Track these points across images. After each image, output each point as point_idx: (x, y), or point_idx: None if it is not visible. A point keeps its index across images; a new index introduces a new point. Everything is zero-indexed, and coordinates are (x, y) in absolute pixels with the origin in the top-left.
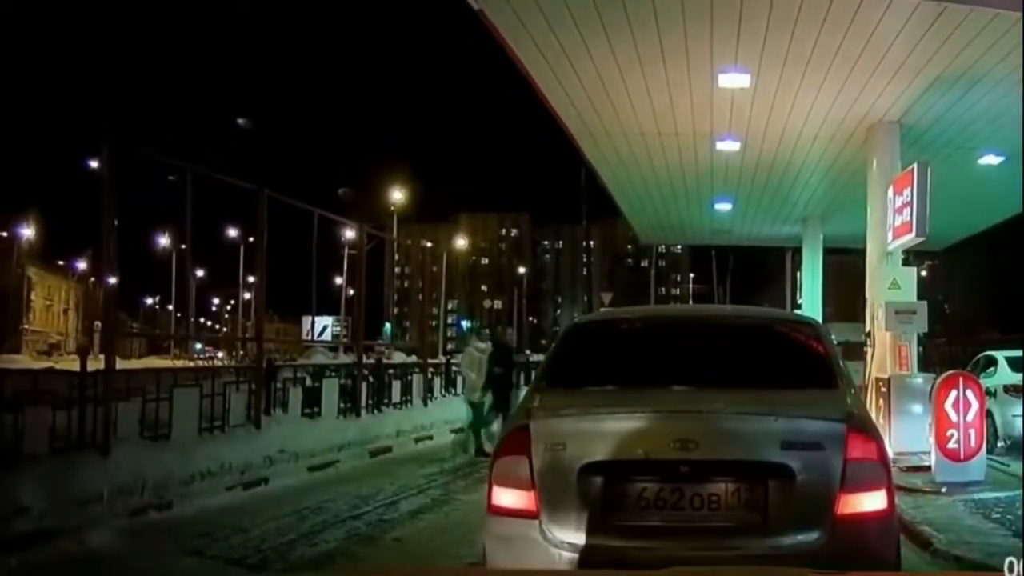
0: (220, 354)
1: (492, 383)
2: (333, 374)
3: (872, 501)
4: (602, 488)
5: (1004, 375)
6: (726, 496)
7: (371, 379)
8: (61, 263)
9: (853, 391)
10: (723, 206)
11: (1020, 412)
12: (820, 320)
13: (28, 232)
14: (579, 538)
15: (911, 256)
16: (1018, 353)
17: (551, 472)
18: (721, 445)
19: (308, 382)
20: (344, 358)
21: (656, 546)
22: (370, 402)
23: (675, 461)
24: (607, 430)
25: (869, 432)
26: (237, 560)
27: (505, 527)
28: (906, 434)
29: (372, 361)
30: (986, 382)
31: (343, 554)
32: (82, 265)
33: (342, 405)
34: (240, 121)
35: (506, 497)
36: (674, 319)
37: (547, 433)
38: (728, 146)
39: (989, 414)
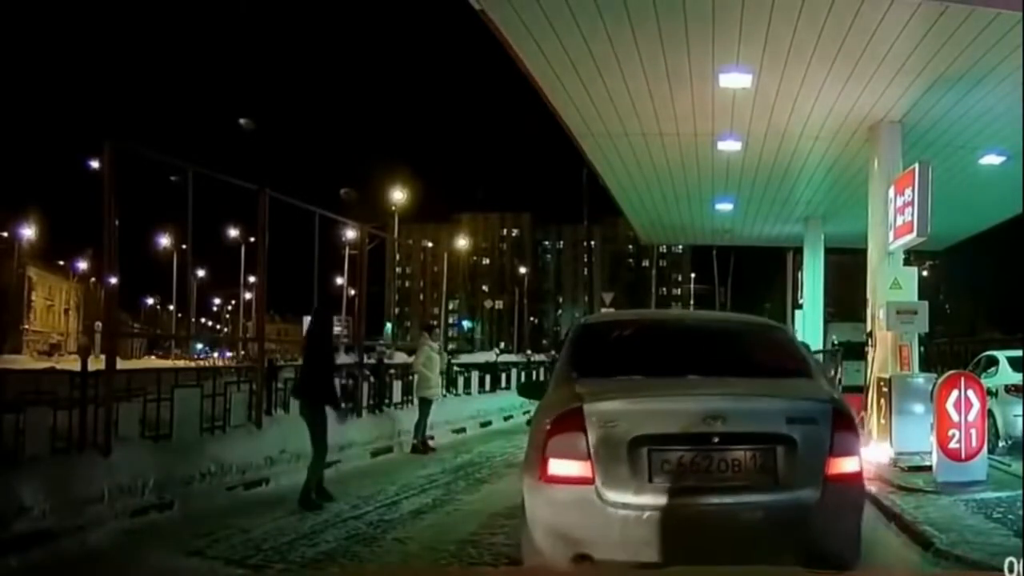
0: (229, 353)
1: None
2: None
3: (850, 464)
4: (648, 456)
5: (1005, 375)
6: (745, 461)
7: (372, 379)
8: (62, 263)
9: (825, 380)
10: (724, 206)
11: (1021, 412)
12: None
13: (29, 232)
14: (630, 498)
15: (912, 256)
16: (1019, 353)
17: (604, 445)
18: (741, 420)
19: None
20: (345, 358)
21: (691, 501)
22: (371, 402)
23: (706, 433)
24: (651, 409)
25: (848, 411)
26: (238, 560)
27: (563, 492)
28: (907, 434)
29: (373, 361)
30: (987, 382)
31: (344, 554)
32: (83, 265)
33: (343, 405)
34: (241, 121)
35: (562, 467)
36: (667, 321)
37: (600, 413)
38: (729, 146)
39: (990, 414)
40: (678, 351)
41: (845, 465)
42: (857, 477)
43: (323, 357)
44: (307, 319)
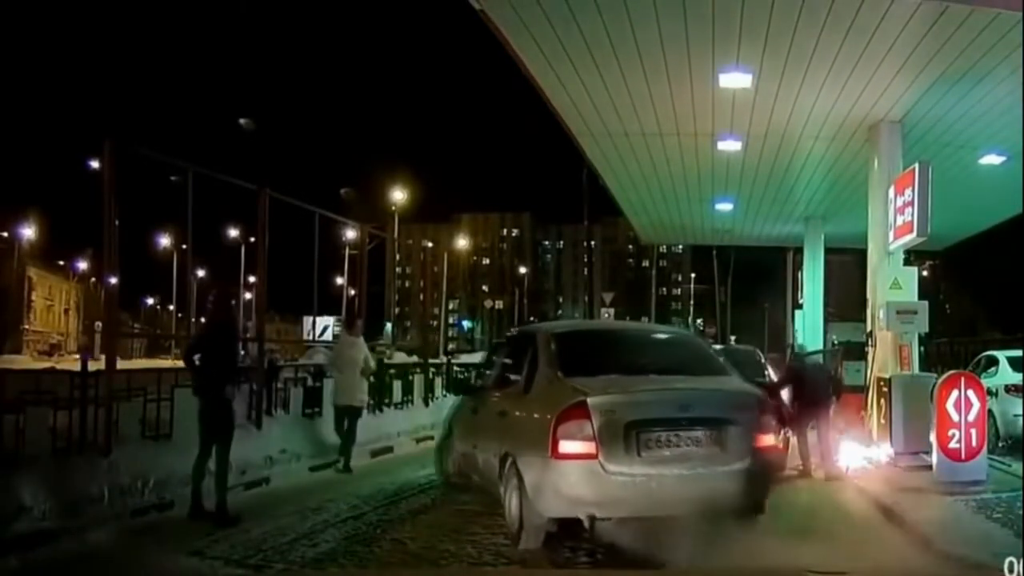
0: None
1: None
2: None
3: (770, 439)
4: (638, 436)
5: (1006, 375)
6: (704, 438)
7: (372, 379)
8: (62, 263)
9: (741, 377)
10: (724, 206)
11: (1021, 412)
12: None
13: (29, 232)
14: (624, 468)
15: (912, 256)
16: (1019, 353)
17: (606, 429)
18: (701, 408)
19: (309, 382)
20: None
21: (668, 469)
22: (371, 402)
23: (677, 418)
24: (639, 401)
25: (767, 399)
26: (238, 560)
27: (574, 466)
28: (907, 434)
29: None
30: (987, 382)
31: (344, 554)
32: (83, 265)
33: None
34: (241, 121)
35: (572, 446)
36: (614, 330)
37: (601, 404)
38: (729, 146)
39: (990, 414)
40: (632, 355)
41: (767, 440)
42: (773, 448)
43: (226, 347)
44: (309, 319)
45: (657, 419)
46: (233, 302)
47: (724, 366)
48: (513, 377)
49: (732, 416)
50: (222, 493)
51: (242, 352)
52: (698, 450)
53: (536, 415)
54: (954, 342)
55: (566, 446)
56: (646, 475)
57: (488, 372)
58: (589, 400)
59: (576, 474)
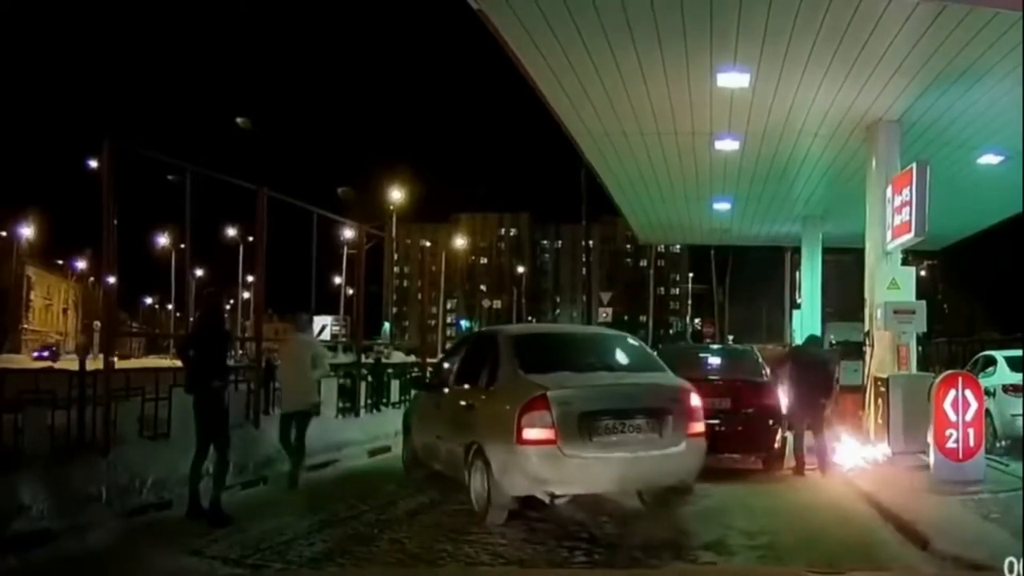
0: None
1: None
2: (332, 374)
3: (700, 427)
4: (589, 424)
5: (1003, 375)
6: (644, 425)
7: (370, 379)
8: (60, 262)
9: (673, 374)
10: (722, 205)
11: (1019, 412)
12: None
13: (27, 231)
14: (578, 451)
15: (910, 256)
16: (1017, 353)
17: (563, 418)
18: (643, 398)
19: None
20: (343, 358)
21: (615, 453)
22: (369, 401)
23: (623, 408)
24: (591, 394)
25: (695, 392)
26: (236, 560)
27: (536, 450)
28: (905, 434)
29: (371, 361)
30: (985, 382)
31: (341, 554)
32: (81, 264)
33: (341, 404)
34: (239, 120)
35: (535, 433)
36: (564, 333)
37: (560, 397)
38: (727, 145)
39: (988, 414)
40: (582, 355)
41: (697, 427)
42: (703, 434)
43: (216, 344)
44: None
45: (606, 410)
46: (222, 301)
47: (660, 364)
48: (476, 375)
49: (668, 407)
50: (217, 493)
51: (237, 351)
52: (639, 436)
53: (501, 407)
54: (952, 342)
55: (529, 433)
56: (596, 457)
57: (446, 371)
58: (549, 393)
59: (538, 457)
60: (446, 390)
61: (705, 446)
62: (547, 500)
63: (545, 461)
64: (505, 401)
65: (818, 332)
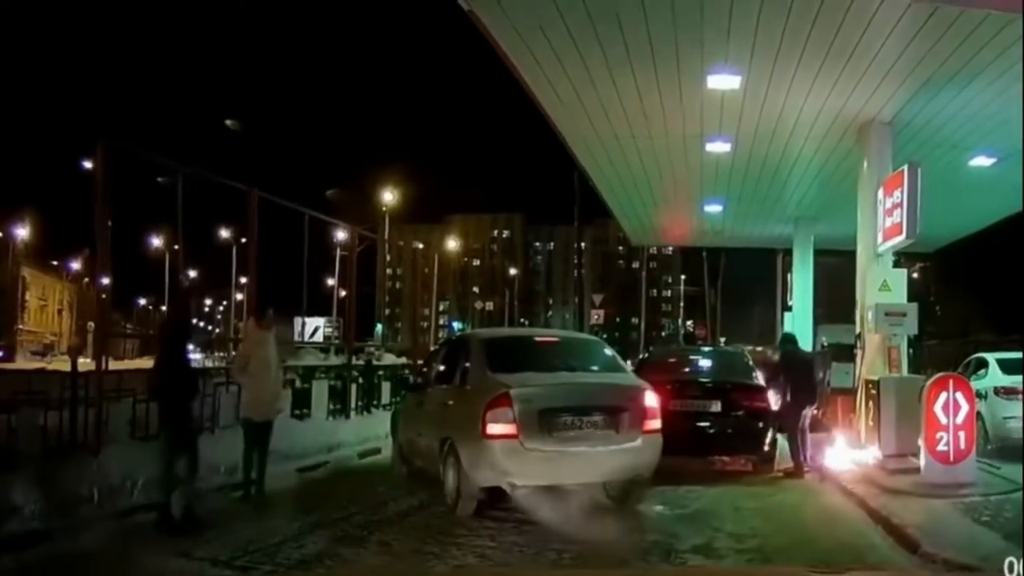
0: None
1: None
2: (323, 375)
3: (656, 424)
4: (549, 420)
5: (995, 377)
6: (601, 422)
7: (361, 380)
8: (55, 263)
9: (633, 374)
10: (713, 207)
11: (1011, 414)
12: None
13: (23, 232)
14: (539, 445)
15: (903, 258)
16: (1009, 355)
17: (524, 414)
18: (600, 396)
19: (298, 383)
20: (335, 359)
21: (574, 447)
22: (360, 403)
23: (581, 406)
24: (550, 392)
25: (652, 391)
26: (225, 561)
27: (500, 444)
28: (896, 436)
29: (362, 362)
30: (977, 384)
31: (331, 556)
32: (76, 265)
33: (331, 406)
34: (228, 122)
35: (498, 428)
36: (533, 335)
37: (521, 395)
38: (718, 147)
39: (979, 416)
40: (546, 356)
41: (653, 424)
42: (658, 431)
43: (181, 349)
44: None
45: (565, 407)
46: (189, 304)
47: (621, 365)
48: (452, 375)
49: (624, 404)
50: (187, 499)
51: (213, 352)
52: (597, 431)
53: (470, 404)
54: (945, 344)
55: (493, 428)
56: (556, 451)
57: (427, 372)
58: (512, 391)
59: (501, 450)
60: (428, 390)
61: (661, 442)
62: (509, 491)
63: (507, 454)
64: (473, 399)
65: (808, 334)
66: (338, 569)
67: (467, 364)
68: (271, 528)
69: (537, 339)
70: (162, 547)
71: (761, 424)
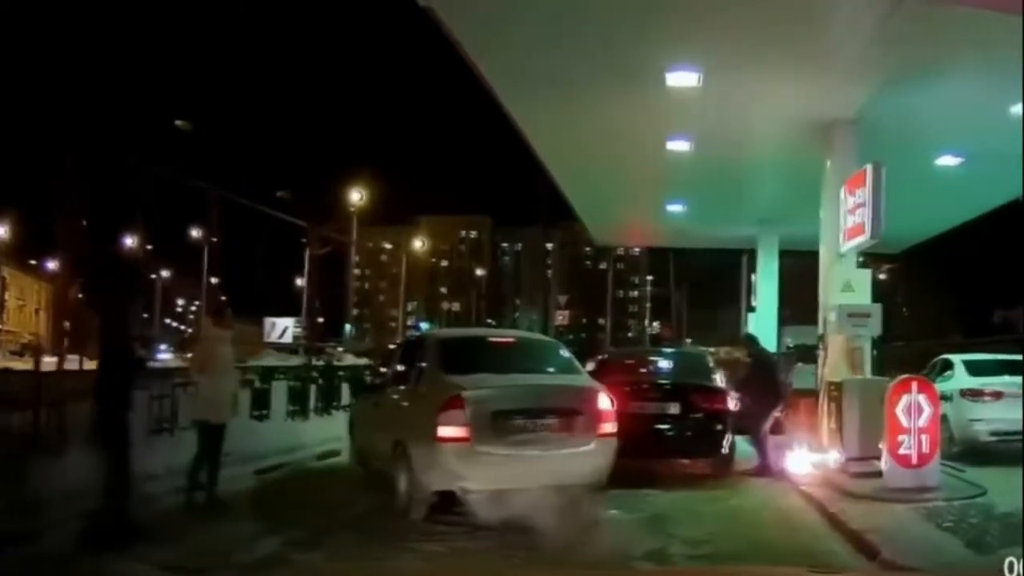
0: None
1: None
2: (282, 376)
3: (610, 427)
4: (502, 423)
5: (962, 379)
6: (555, 424)
7: (320, 381)
8: (33, 262)
9: (588, 375)
10: (676, 207)
11: (977, 417)
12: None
13: (1, 231)
14: (491, 448)
15: (870, 259)
16: (975, 357)
17: (477, 417)
18: (554, 399)
19: (257, 384)
20: (298, 360)
21: (527, 451)
22: (319, 404)
23: (534, 408)
24: (504, 394)
25: (608, 394)
26: (176, 567)
27: (452, 447)
28: (858, 439)
29: (322, 363)
30: (943, 386)
31: (283, 561)
32: (52, 265)
33: (291, 408)
34: (178, 123)
35: (451, 431)
36: (488, 336)
37: (474, 397)
38: (679, 146)
39: (944, 419)
40: (501, 358)
41: (608, 428)
42: (613, 434)
43: (120, 351)
44: (269, 321)
45: (518, 409)
46: (126, 306)
47: (577, 367)
48: (407, 376)
49: (578, 407)
50: (120, 507)
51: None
52: (550, 434)
53: (422, 406)
54: (911, 345)
55: (445, 431)
56: (508, 454)
57: (384, 373)
58: (464, 393)
59: (453, 454)
60: (385, 391)
61: (615, 446)
62: (461, 495)
63: (459, 458)
64: (426, 401)
65: (772, 335)
66: (298, 569)
67: (422, 365)
68: (222, 532)
69: (493, 340)
70: (118, 551)
71: (720, 426)
